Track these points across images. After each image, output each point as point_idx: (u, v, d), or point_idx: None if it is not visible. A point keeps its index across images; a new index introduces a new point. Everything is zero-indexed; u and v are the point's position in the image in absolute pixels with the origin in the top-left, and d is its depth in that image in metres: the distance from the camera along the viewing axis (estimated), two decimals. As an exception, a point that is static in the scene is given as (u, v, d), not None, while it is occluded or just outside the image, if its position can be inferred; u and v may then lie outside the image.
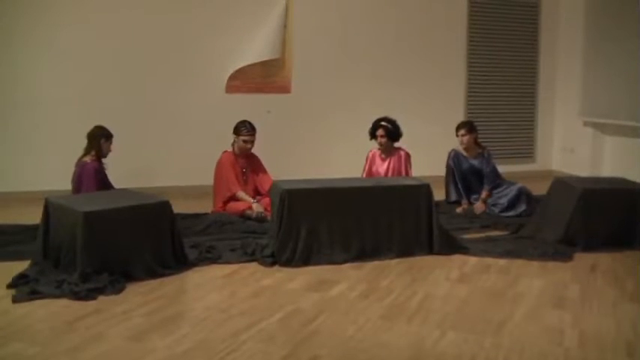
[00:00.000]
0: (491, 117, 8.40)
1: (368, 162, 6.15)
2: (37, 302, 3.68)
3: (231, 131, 5.91)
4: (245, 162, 5.96)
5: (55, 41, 6.66)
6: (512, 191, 6.07)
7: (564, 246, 4.89)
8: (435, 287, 4.07)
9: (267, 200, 5.48)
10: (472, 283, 4.17)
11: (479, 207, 6.09)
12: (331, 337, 3.27)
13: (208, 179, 5.98)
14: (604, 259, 4.71)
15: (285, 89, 7.43)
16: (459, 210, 6.12)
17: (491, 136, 8.14)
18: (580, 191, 4.99)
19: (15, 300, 3.68)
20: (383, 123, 6.00)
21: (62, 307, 3.62)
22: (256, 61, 7.20)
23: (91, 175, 5.35)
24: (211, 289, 4.08)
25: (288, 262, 4.45)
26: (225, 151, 5.95)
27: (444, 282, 4.19)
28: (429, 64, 8.02)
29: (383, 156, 6.12)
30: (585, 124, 8.24)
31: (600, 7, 7.92)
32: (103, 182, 5.41)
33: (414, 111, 7.51)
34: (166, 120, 7.03)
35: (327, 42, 7.55)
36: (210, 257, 4.55)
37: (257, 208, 5.64)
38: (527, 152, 8.75)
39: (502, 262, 4.62)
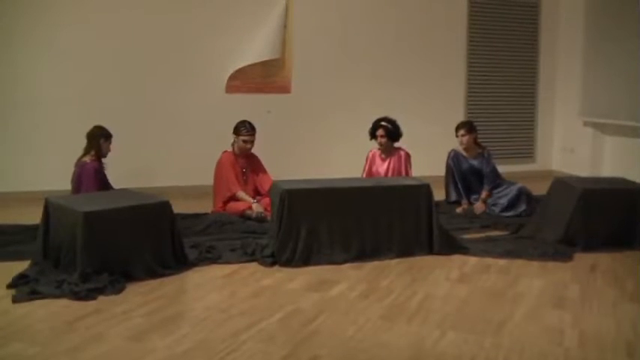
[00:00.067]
0: (491, 117, 8.40)
1: (368, 162, 6.15)
2: (37, 302, 3.68)
3: (231, 131, 5.91)
4: (245, 162, 5.96)
5: (55, 41, 6.66)
6: (512, 191, 6.07)
7: (564, 246, 4.89)
8: (435, 287, 4.07)
9: (267, 200, 5.48)
10: (472, 283, 4.17)
11: (479, 207, 6.09)
12: (331, 337, 3.27)
13: (208, 179, 5.98)
14: (604, 259, 4.71)
15: (285, 89, 7.44)
16: (459, 210, 6.12)
17: (491, 136, 8.14)
18: (580, 191, 4.99)
19: (15, 300, 3.68)
20: (383, 123, 6.00)
21: (62, 307, 3.62)
22: (256, 61, 7.19)
23: (91, 175, 5.35)
24: (211, 289, 4.08)
25: (288, 262, 4.45)
26: (225, 151, 5.95)
27: (444, 282, 4.19)
28: (429, 64, 8.02)
29: (383, 156, 6.12)
30: (585, 124, 8.24)
31: (600, 7, 7.92)
32: (102, 182, 5.42)
33: (414, 111, 7.51)
34: (166, 120, 7.03)
35: (327, 42, 7.55)
36: (210, 257, 4.55)
37: (257, 208, 5.64)
38: (527, 152, 8.75)
39: (502, 262, 4.62)
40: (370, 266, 4.49)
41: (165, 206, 4.35)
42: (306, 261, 4.48)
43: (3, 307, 3.61)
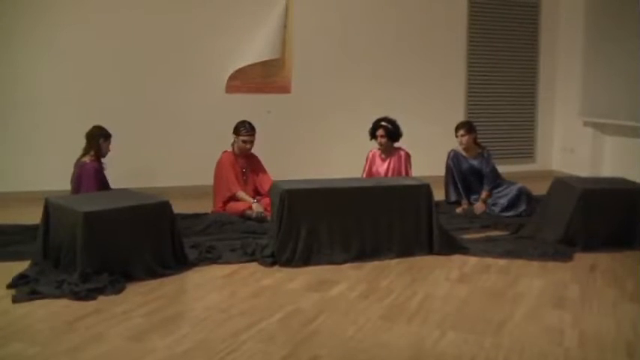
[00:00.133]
0: (491, 117, 8.40)
1: (368, 162, 6.15)
2: (37, 302, 3.68)
3: (231, 131, 5.91)
4: (245, 162, 5.96)
5: (55, 41, 6.66)
6: (512, 191, 6.07)
7: (564, 246, 4.89)
8: (435, 287, 4.07)
9: (267, 200, 5.48)
10: (472, 283, 4.17)
11: (479, 207, 6.09)
12: (331, 337, 3.27)
13: (208, 179, 5.98)
14: (604, 259, 4.71)
15: (285, 89, 7.44)
16: (458, 210, 6.12)
17: (491, 136, 8.14)
18: (580, 191, 4.99)
19: (15, 300, 3.69)
20: (383, 123, 6.00)
21: (62, 307, 3.62)
22: (256, 61, 7.20)
23: (91, 175, 5.34)
24: (211, 289, 4.08)
25: (288, 262, 4.45)
26: (225, 151, 5.95)
27: (444, 282, 4.19)
28: (429, 64, 8.02)
29: (383, 156, 6.12)
30: (585, 124, 8.24)
31: (600, 7, 7.92)
32: (102, 182, 5.41)
33: (414, 111, 7.51)
34: (166, 120, 7.03)
35: (327, 42, 7.55)
36: (210, 257, 4.55)
37: (257, 208, 5.64)
38: (527, 152, 8.75)
39: (502, 262, 4.62)
40: (370, 266, 4.49)
41: (165, 206, 4.35)
42: (306, 261, 4.48)
43: (3, 307, 3.61)
